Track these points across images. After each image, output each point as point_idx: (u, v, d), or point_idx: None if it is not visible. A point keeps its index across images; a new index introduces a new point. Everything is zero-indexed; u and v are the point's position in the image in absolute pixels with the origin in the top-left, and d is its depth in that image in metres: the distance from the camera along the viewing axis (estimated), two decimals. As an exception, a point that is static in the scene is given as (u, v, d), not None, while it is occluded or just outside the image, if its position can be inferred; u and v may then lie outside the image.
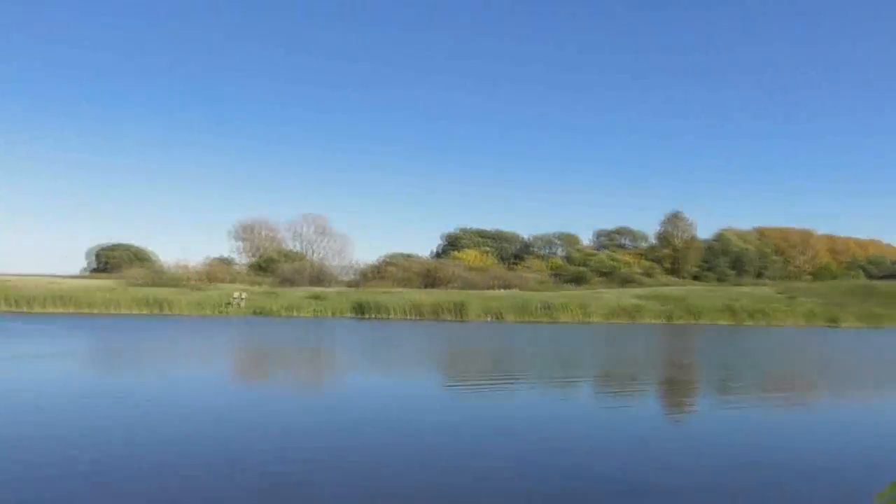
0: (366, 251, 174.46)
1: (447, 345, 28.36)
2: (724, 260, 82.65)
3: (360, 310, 47.36)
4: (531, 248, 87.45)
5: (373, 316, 46.48)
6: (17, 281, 53.40)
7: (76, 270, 76.74)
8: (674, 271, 79.39)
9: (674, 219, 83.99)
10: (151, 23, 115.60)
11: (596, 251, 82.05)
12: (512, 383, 16.07)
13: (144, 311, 45.08)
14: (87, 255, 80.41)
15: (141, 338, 27.52)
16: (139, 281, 54.27)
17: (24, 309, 43.55)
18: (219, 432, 9.91)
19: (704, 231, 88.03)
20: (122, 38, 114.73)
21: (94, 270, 75.66)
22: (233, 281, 61.95)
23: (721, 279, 77.10)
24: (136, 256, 74.32)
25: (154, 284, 53.49)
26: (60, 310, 43.76)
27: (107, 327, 32.76)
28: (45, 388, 13.72)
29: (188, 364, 19.66)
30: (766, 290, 62.73)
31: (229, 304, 47.54)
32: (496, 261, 78.80)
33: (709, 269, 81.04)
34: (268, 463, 8.15)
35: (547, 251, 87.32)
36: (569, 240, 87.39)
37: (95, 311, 44.00)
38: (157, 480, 7.38)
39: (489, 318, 46.67)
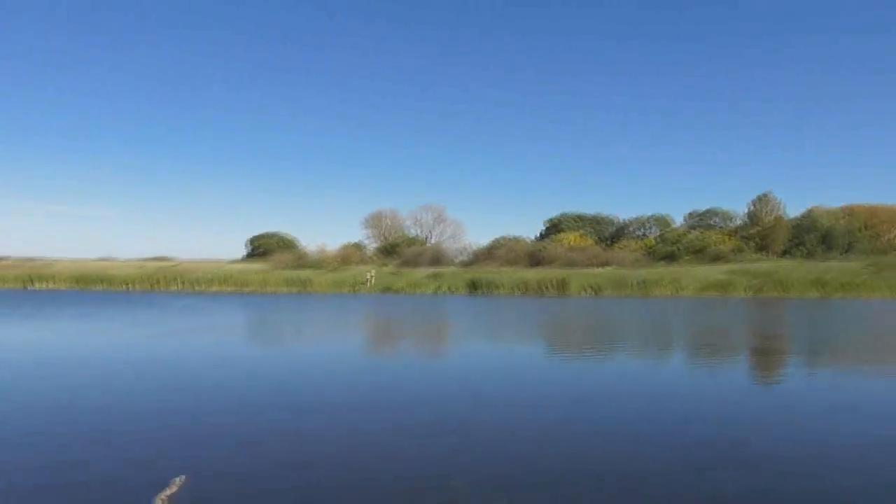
0: (477, 235, 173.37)
1: (551, 317, 28.10)
2: (813, 236, 77.26)
3: (473, 286, 47.66)
4: (627, 230, 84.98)
5: (484, 292, 46.67)
6: (188, 265, 57.21)
7: (239, 255, 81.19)
8: (762, 248, 75.04)
9: (762, 199, 79.36)
10: (295, 20, 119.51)
11: (687, 231, 78.71)
12: (612, 353, 15.71)
13: (291, 290, 47.09)
14: (248, 242, 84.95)
15: (289, 312, 28.79)
16: (286, 264, 56.74)
17: (193, 289, 46.46)
18: (350, 397, 10.22)
19: (793, 209, 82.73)
20: (265, 39, 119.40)
21: (249, 256, 79.64)
22: (363, 263, 63.71)
23: (809, 255, 72.28)
24: (283, 243, 77.64)
25: (298, 267, 55.85)
26: (222, 289, 46.39)
27: (259, 304, 34.51)
28: (202, 356, 14.57)
29: (331, 334, 20.41)
30: (853, 264, 58.30)
31: (364, 282, 49.06)
32: (594, 242, 77.16)
33: (797, 246, 76.09)
34: (395, 431, 8.27)
35: (641, 232, 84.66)
36: (661, 221, 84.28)
37: (249, 289, 46.38)
38: (297, 441, 7.69)
39: (588, 293, 45.84)
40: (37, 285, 47.17)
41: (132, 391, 9.93)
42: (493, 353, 15.54)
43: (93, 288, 46.34)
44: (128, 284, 47.01)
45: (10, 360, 13.11)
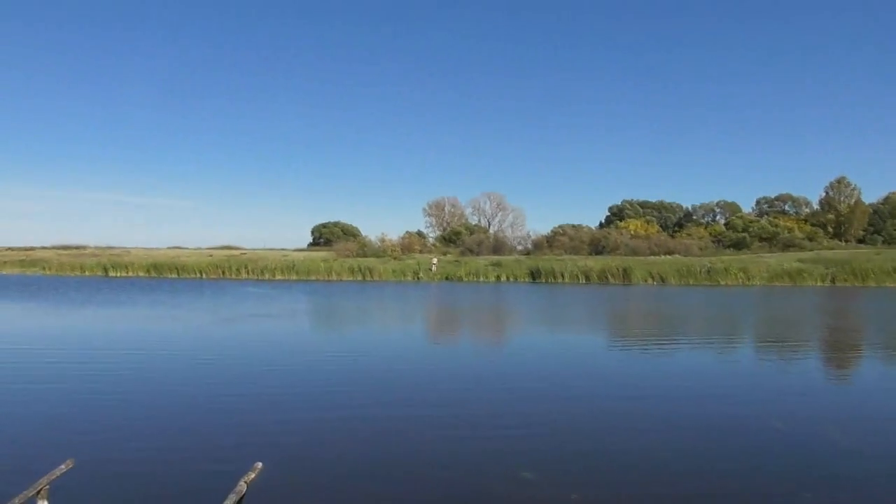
0: (538, 222, 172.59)
1: (615, 306, 27.71)
2: (893, 223, 73.59)
3: (535, 275, 47.44)
4: (693, 217, 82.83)
5: (546, 280, 46.36)
6: (253, 254, 58.82)
7: (303, 244, 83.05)
8: (837, 235, 71.85)
9: (838, 184, 75.91)
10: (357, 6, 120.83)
11: (757, 218, 76.04)
12: (676, 342, 15.41)
13: (354, 278, 47.86)
14: (312, 231, 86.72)
15: (356, 299, 29.27)
16: (349, 252, 57.64)
17: (260, 277, 47.75)
18: (422, 390, 10.35)
19: (869, 195, 79.08)
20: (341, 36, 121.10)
21: (313, 244, 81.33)
22: (423, 252, 64.12)
23: (889, 242, 68.87)
24: (345, 232, 78.90)
25: (360, 255, 56.63)
26: (288, 277, 47.53)
27: (325, 292, 35.22)
28: (275, 341, 14.98)
29: (401, 322, 20.70)
30: (939, 252, 55.13)
31: (429, 268, 49.50)
32: (658, 229, 75.47)
33: (875, 233, 72.62)
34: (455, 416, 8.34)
35: (708, 219, 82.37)
36: (729, 207, 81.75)
37: (314, 277, 47.41)
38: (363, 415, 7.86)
39: (652, 282, 44.96)
40: (113, 273, 49.47)
41: (212, 376, 10.34)
42: (559, 343, 15.44)
43: (166, 276, 48.28)
44: (199, 273, 48.81)
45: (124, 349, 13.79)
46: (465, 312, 24.24)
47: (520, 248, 71.63)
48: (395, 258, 55.46)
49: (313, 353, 12.94)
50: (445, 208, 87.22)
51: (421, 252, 63.66)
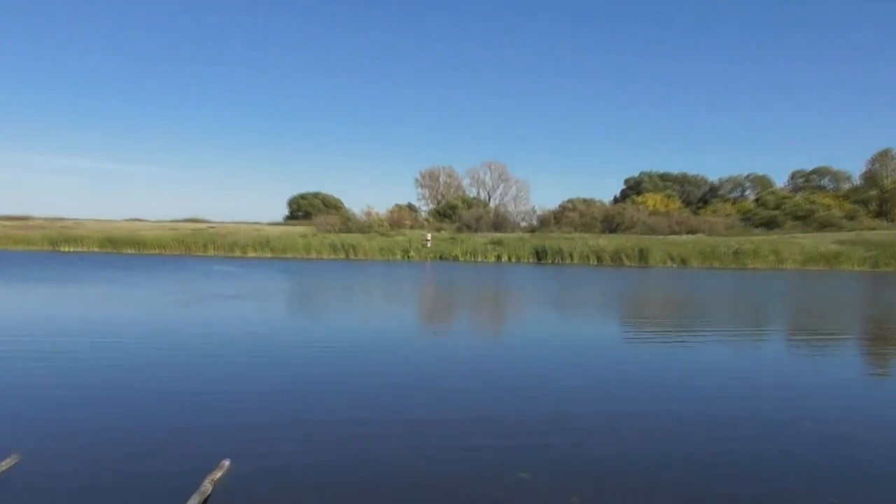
0: (544, 197, 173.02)
1: (628, 290, 27.81)
2: (943, 201, 73.91)
3: (540, 255, 47.60)
4: (719, 192, 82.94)
5: (553, 261, 46.57)
6: (222, 228, 58.73)
7: (279, 218, 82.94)
8: (881, 214, 72.08)
9: (882, 157, 76.02)
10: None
11: (791, 194, 76.22)
12: (697, 333, 15.44)
13: (336, 256, 47.95)
14: (288, 203, 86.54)
15: (336, 280, 29.33)
16: (330, 227, 57.61)
17: (229, 253, 47.72)
18: (410, 380, 10.35)
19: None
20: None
21: (290, 218, 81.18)
22: (415, 227, 64.14)
23: (938, 223, 69.20)
24: (326, 204, 78.78)
25: (344, 231, 56.64)
26: (261, 254, 47.50)
27: (302, 271, 35.26)
28: (244, 327, 14.96)
29: (387, 307, 20.75)
30: None
31: (423, 244, 49.90)
32: (680, 205, 75.61)
33: (924, 212, 72.93)
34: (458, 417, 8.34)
35: (736, 194, 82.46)
36: (760, 182, 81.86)
37: (291, 255, 47.44)
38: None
39: (672, 265, 45.14)
40: (63, 248, 49.30)
41: (172, 365, 10.33)
42: (568, 334, 15.47)
43: (123, 251, 48.18)
44: (160, 248, 48.73)
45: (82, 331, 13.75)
46: (461, 298, 24.29)
47: (524, 224, 71.89)
48: (382, 234, 55.54)
49: (288, 342, 12.89)
50: (440, 178, 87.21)
51: (412, 227, 63.76)
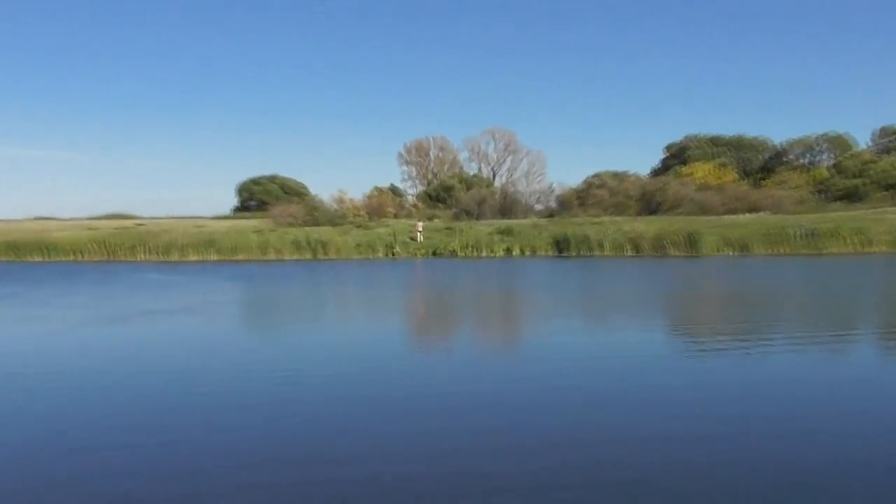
0: (564, 172, 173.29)
1: (677, 288, 27.68)
2: None
3: (562, 246, 47.56)
4: (785, 158, 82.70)
5: (577, 253, 46.51)
6: (155, 225, 58.32)
7: (227, 209, 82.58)
8: None
9: None
10: None
11: (877, 157, 75.95)
12: (764, 340, 15.19)
13: (301, 257, 47.74)
14: (238, 190, 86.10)
15: (301, 287, 29.09)
16: (292, 220, 57.25)
17: (165, 258, 47.37)
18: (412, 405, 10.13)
19: None
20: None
21: (239, 209, 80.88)
22: (400, 216, 63.90)
23: None
24: (286, 190, 78.42)
25: (310, 223, 56.33)
26: (205, 258, 47.25)
27: (260, 277, 35.10)
28: (182, 351, 14.74)
29: (360, 322, 20.55)
30: None
31: (412, 239, 50.05)
32: (737, 176, 75.41)
33: None
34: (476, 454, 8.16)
35: (808, 160, 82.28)
36: (838, 143, 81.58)
37: (243, 257, 47.28)
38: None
39: (730, 252, 44.98)
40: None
41: (89, 403, 10.06)
42: (600, 348, 15.26)
43: (28, 259, 47.85)
44: (76, 254, 48.36)
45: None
46: (462, 306, 24.06)
47: (539, 207, 71.85)
48: (359, 226, 55.32)
49: (239, 372, 12.56)
50: (430, 152, 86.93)
51: (396, 216, 63.63)
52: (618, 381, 11.50)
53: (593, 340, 16.12)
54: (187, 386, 11.44)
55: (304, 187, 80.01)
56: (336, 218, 58.30)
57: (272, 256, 47.60)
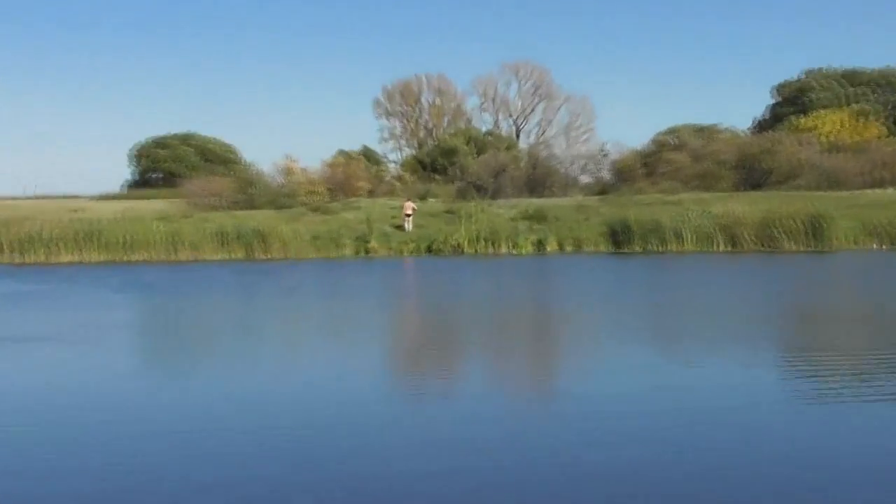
0: (623, 126, 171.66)
1: (796, 300, 27.60)
2: None
3: (619, 237, 47.51)
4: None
5: (644, 248, 46.48)
6: (9, 208, 58.01)
7: (117, 186, 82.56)
8: None
9: None
10: None
11: None
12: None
13: (230, 256, 47.53)
14: (133, 156, 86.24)
15: (231, 305, 29.01)
16: (215, 200, 56.85)
17: (22, 258, 46.77)
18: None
19: None
20: None
21: (136, 185, 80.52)
22: (378, 193, 63.27)
23: None
24: (206, 156, 77.78)
25: (243, 205, 56.00)
26: (85, 258, 46.84)
27: (167, 287, 35.04)
28: (47, 396, 14.61)
29: (320, 357, 20.39)
30: None
31: (403, 226, 50.50)
32: (885, 130, 75.16)
33: None
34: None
35: None
36: None
37: (142, 256, 47.01)
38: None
39: (875, 245, 44.83)
40: None
41: None
42: (679, 393, 15.17)
43: None
44: None
45: None
46: (467, 330, 23.98)
47: (586, 180, 71.40)
48: (316, 209, 54.96)
49: (130, 427, 12.59)
50: (423, 98, 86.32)
51: (372, 194, 63.10)
52: (716, 450, 11.52)
53: (682, 387, 15.96)
54: (49, 453, 11.32)
55: (234, 152, 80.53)
56: (282, 198, 57.95)
57: (185, 256, 47.29)
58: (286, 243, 48.12)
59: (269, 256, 47.26)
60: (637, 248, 46.52)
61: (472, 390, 16.10)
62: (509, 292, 31.01)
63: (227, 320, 25.54)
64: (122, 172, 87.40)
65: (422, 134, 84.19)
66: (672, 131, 72.50)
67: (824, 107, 79.16)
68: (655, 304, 27.24)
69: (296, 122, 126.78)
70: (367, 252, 48.03)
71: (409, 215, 50.82)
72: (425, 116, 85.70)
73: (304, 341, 22.08)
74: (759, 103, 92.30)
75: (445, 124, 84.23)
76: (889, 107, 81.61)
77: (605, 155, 74.03)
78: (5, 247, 47.86)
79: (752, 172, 62.97)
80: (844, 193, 53.83)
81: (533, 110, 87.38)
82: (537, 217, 50.82)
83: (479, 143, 74.93)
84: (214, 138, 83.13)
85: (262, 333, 23.15)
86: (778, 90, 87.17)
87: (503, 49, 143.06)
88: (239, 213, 53.70)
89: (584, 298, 28.99)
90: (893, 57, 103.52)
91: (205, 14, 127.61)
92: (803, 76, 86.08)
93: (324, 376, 17.19)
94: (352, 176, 64.55)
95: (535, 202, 56.26)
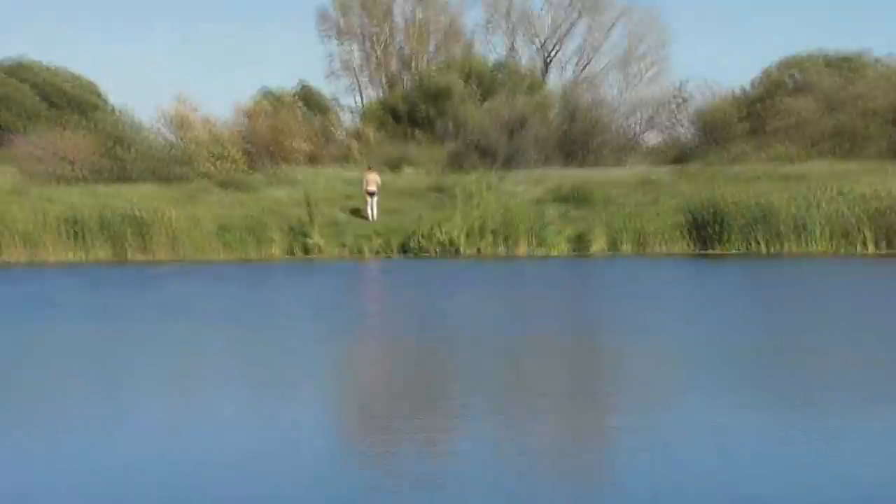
0: (710, 59, 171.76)
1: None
2: None
3: (704, 232, 46.95)
4: None
5: (746, 249, 46.04)
6: None
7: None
8: None
9: None
10: None
11: None
12: None
13: (92, 255, 47.32)
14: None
15: (89, 333, 27.67)
16: (67, 168, 56.09)
17: None
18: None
19: None
20: None
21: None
22: (322, 158, 62.51)
23: None
24: (52, 101, 77.37)
25: (108, 178, 55.13)
26: None
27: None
28: None
29: (235, 413, 18.94)
30: None
31: (366, 212, 50.52)
32: None
33: None
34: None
35: None
36: None
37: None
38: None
39: None
40: None
41: None
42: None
43: None
44: None
45: None
46: (478, 395, 22.30)
47: (652, 139, 70.83)
48: (226, 183, 54.30)
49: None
50: (395, 7, 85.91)
51: (315, 160, 62.35)
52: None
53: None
54: None
55: (97, 92, 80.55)
56: (172, 165, 57.29)
57: (13, 256, 47.17)
58: (177, 237, 47.50)
59: (149, 258, 46.87)
60: (734, 249, 46.52)
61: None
62: (535, 323, 29.57)
63: (73, 366, 24.12)
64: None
65: (394, 66, 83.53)
66: (792, 64, 71.47)
67: None
68: (786, 346, 25.62)
69: (193, 46, 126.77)
70: (306, 251, 48.00)
71: (372, 193, 50.19)
72: (400, 38, 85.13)
73: (200, 388, 21.12)
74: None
75: (432, 51, 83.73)
76: None
77: (683, 101, 73.41)
78: None
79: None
80: None
81: (570, 30, 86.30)
82: (576, 198, 50.62)
83: (486, 82, 74.32)
84: (64, 69, 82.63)
85: (136, 376, 22.16)
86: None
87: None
88: (103, 188, 53.05)
89: (664, 337, 27.37)
90: None
91: None
92: None
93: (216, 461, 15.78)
94: (283, 131, 63.76)
95: (573, 174, 55.94)
